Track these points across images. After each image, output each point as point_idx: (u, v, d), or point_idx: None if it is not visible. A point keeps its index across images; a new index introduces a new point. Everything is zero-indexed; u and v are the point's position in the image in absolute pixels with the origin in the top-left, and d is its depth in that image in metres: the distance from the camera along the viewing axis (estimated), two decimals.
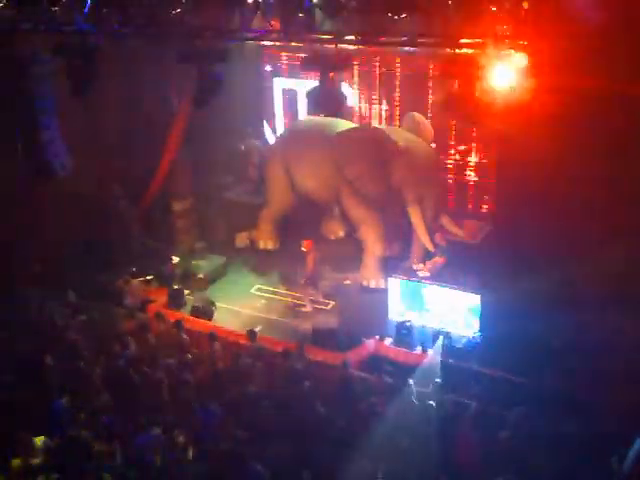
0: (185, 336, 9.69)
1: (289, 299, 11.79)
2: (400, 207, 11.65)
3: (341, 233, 13.68)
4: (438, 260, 11.20)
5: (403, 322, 10.40)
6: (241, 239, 13.58)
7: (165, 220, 13.15)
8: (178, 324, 9.85)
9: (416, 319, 10.70)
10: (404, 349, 9.98)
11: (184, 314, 11.04)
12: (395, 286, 10.90)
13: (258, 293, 12.04)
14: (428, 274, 10.97)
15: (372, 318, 10.91)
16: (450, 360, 9.53)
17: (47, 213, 11.86)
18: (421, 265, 11.25)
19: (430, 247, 11.38)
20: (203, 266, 12.57)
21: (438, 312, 10.60)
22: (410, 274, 11.00)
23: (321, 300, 11.59)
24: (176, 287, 11.82)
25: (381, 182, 11.43)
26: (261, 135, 14.20)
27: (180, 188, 13.30)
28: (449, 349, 9.80)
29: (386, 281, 11.45)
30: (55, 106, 10.67)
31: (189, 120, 12.67)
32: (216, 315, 11.22)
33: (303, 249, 11.43)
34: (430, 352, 9.77)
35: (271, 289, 12.10)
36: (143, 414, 7.86)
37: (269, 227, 13.40)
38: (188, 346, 9.49)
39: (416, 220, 11.44)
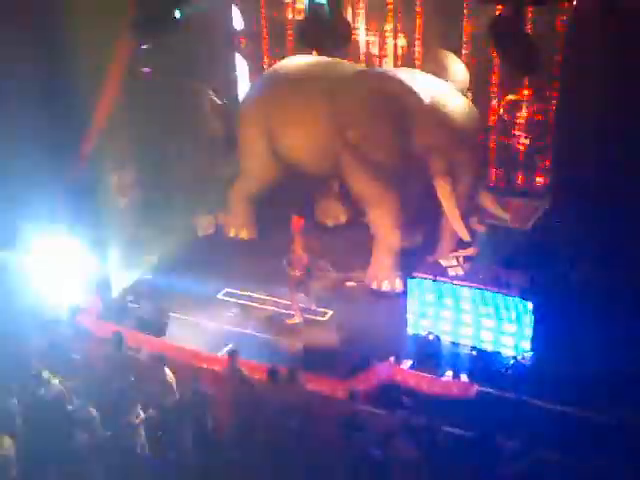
0: (127, 352, 9.70)
1: (270, 307, 11.80)
2: (424, 181, 11.62)
3: (342, 217, 13.73)
4: (475, 253, 11.08)
5: (426, 338, 10.36)
6: (204, 225, 13.61)
7: (99, 198, 12.98)
8: (116, 338, 9.72)
9: (445, 334, 10.69)
10: (428, 375, 9.98)
11: (124, 328, 10.87)
12: (416, 289, 10.88)
13: (227, 299, 12.06)
14: (461, 272, 10.88)
15: (384, 333, 10.95)
16: (491, 390, 9.53)
17: None
18: (452, 260, 11.17)
19: (464, 235, 11.33)
20: (152, 262, 12.59)
21: (475, 324, 10.59)
22: (437, 273, 10.94)
23: (315, 309, 11.59)
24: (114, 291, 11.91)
25: (398, 147, 11.38)
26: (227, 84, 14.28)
27: (119, 155, 13.22)
28: (490, 375, 9.82)
29: (403, 282, 11.43)
30: None
31: (130, 63, 12.60)
32: (170, 329, 11.24)
33: (292, 229, 11.41)
34: (464, 378, 9.81)
35: (245, 294, 12.11)
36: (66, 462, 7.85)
37: (243, 208, 13.39)
38: (131, 367, 9.49)
39: (446, 198, 11.41)
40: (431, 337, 10.40)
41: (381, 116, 11.30)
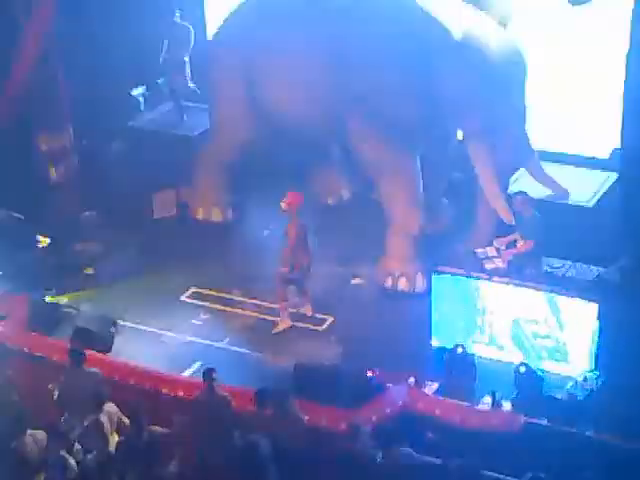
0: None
1: (251, 312, 11.81)
2: (453, 144, 11.67)
3: (346, 193, 13.77)
4: (520, 241, 11.05)
5: (456, 352, 10.37)
6: (164, 203, 13.61)
7: (25, 170, 13.09)
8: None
9: (481, 348, 10.70)
10: (459, 402, 9.92)
11: (59, 341, 10.94)
12: (443, 288, 10.86)
13: (194, 302, 12.07)
14: (503, 266, 10.89)
15: (401, 346, 10.94)
16: (543, 422, 9.50)
17: None
18: (490, 250, 11.14)
19: (506, 216, 11.33)
20: (94, 253, 12.57)
21: (520, 335, 10.57)
22: (470, 266, 10.95)
23: (310, 314, 11.60)
24: (46, 292, 11.81)
25: (417, 98, 11.36)
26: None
27: (51, 114, 13.24)
28: (542, 402, 9.77)
29: (426, 279, 11.42)
30: None
31: None
32: (119, 342, 11.21)
33: (283, 207, 11.33)
34: (507, 406, 9.77)
35: (218, 295, 12.10)
36: None
37: (214, 181, 13.45)
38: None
39: (482, 167, 11.42)
40: (460, 350, 10.34)
41: (396, 57, 11.29)
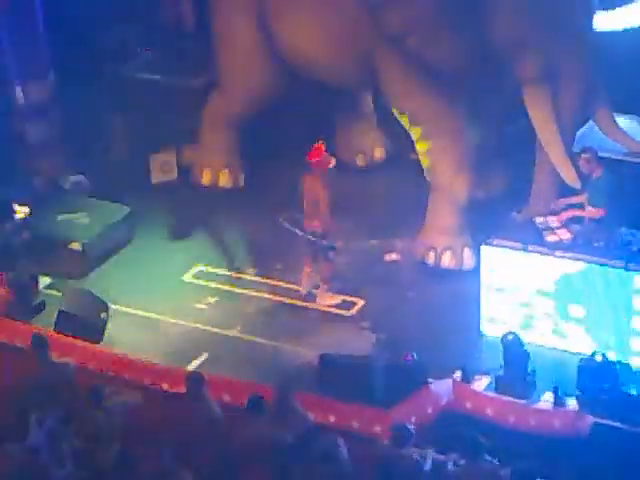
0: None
1: (266, 294, 11.89)
2: (508, 94, 11.65)
3: (379, 153, 13.82)
4: (587, 207, 10.98)
5: (510, 341, 10.34)
6: (163, 166, 13.70)
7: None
8: (37, 342, 9.77)
9: (541, 335, 10.76)
10: (515, 399, 9.96)
11: (40, 328, 10.97)
12: (495, 264, 10.91)
13: (200, 282, 12.16)
14: (568, 237, 10.87)
15: (445, 334, 11.00)
16: (615, 423, 9.52)
17: None
18: (552, 219, 11.13)
19: (570, 178, 11.28)
20: (82, 224, 12.64)
21: (588, 320, 10.64)
22: (528, 238, 10.91)
23: (336, 297, 11.69)
24: (23, 269, 11.87)
25: (465, 39, 11.35)
26: None
27: (29, 59, 13.26)
28: (613, 399, 9.78)
29: (476, 254, 11.48)
30: None
31: None
32: (111, 330, 11.27)
33: (309, 163, 11.40)
34: (572, 404, 9.78)
35: (227, 274, 12.21)
36: None
37: (222, 140, 13.54)
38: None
39: (541, 120, 11.39)
40: (510, 337, 10.31)
41: None
